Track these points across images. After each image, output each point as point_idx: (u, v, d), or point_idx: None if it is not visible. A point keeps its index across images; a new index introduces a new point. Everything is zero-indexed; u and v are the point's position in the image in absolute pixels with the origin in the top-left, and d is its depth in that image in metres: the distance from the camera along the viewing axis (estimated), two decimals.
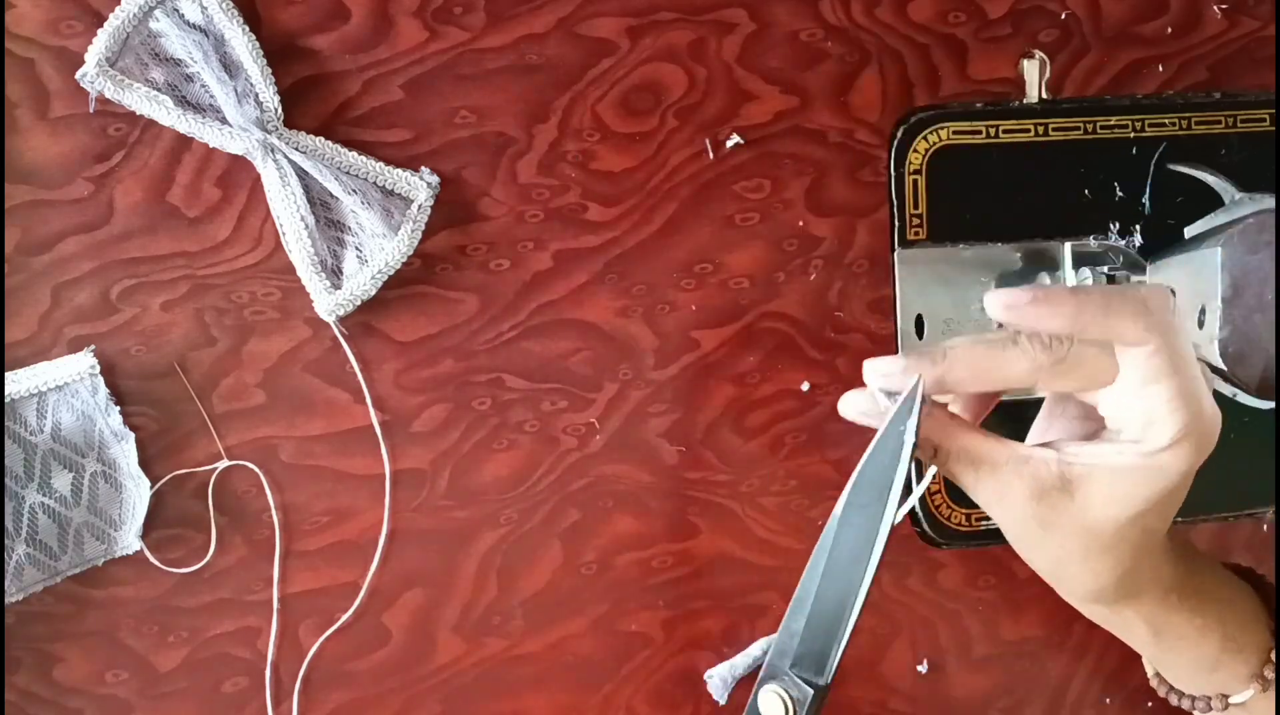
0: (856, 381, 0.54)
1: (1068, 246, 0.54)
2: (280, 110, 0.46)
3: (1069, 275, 0.54)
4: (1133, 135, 0.55)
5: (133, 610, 0.48)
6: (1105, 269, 0.54)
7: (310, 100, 0.48)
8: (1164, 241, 0.55)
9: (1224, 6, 0.56)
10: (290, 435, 0.49)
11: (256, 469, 0.49)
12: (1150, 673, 0.49)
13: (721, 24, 0.51)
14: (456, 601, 0.52)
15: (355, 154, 0.48)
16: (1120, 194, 0.55)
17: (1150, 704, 0.59)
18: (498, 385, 0.51)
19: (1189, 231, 0.55)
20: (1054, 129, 0.54)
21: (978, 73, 0.54)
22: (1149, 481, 0.38)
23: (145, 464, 0.47)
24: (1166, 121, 0.55)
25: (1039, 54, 0.54)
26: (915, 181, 0.53)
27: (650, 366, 0.52)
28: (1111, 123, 0.55)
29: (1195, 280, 0.53)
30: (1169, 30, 0.56)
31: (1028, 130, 0.54)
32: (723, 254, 0.52)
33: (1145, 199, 0.55)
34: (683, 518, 0.53)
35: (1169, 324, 0.38)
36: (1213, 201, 0.55)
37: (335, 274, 0.48)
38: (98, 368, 0.47)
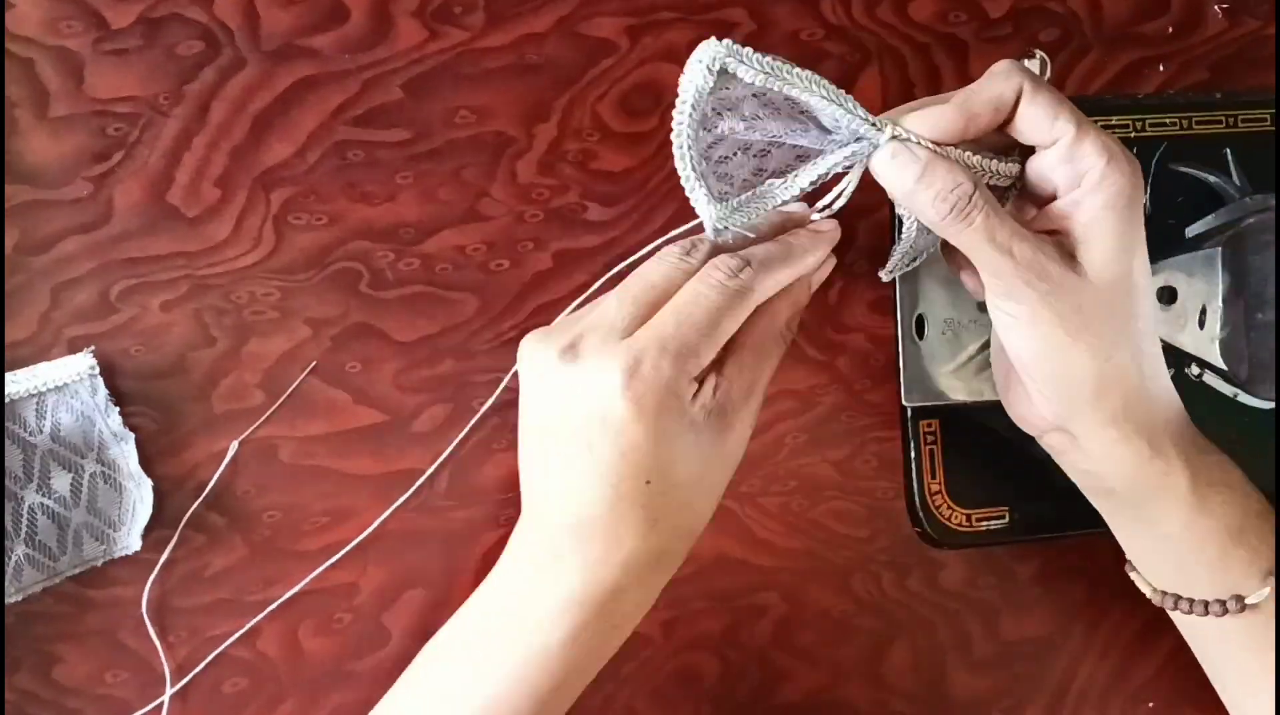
0: (856, 381, 0.54)
1: None
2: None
3: None
4: (1133, 135, 0.55)
5: (132, 610, 0.48)
6: None
7: (310, 100, 0.48)
8: (1165, 241, 0.55)
9: (1225, 6, 0.56)
10: (290, 435, 0.49)
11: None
12: (1149, 591, 0.46)
13: (722, 23, 0.51)
14: (456, 601, 0.51)
15: None
16: None
17: (1151, 704, 0.59)
18: (498, 385, 0.51)
19: (1190, 231, 0.55)
20: None
21: (979, 72, 0.53)
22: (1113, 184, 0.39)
23: (145, 464, 0.47)
24: (1167, 121, 0.55)
25: (1040, 54, 0.54)
26: None
27: None
28: (1112, 122, 0.55)
29: (1196, 280, 0.53)
30: (1170, 30, 0.56)
31: None
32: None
33: (1146, 199, 0.55)
34: None
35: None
36: (1214, 201, 0.54)
37: None
38: (97, 368, 0.47)
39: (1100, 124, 0.54)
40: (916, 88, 0.53)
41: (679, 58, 0.51)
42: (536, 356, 0.40)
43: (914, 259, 0.47)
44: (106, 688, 0.48)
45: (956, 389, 0.54)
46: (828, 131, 0.39)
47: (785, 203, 0.40)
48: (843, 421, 0.54)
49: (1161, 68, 0.56)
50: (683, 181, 0.38)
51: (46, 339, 0.47)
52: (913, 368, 0.54)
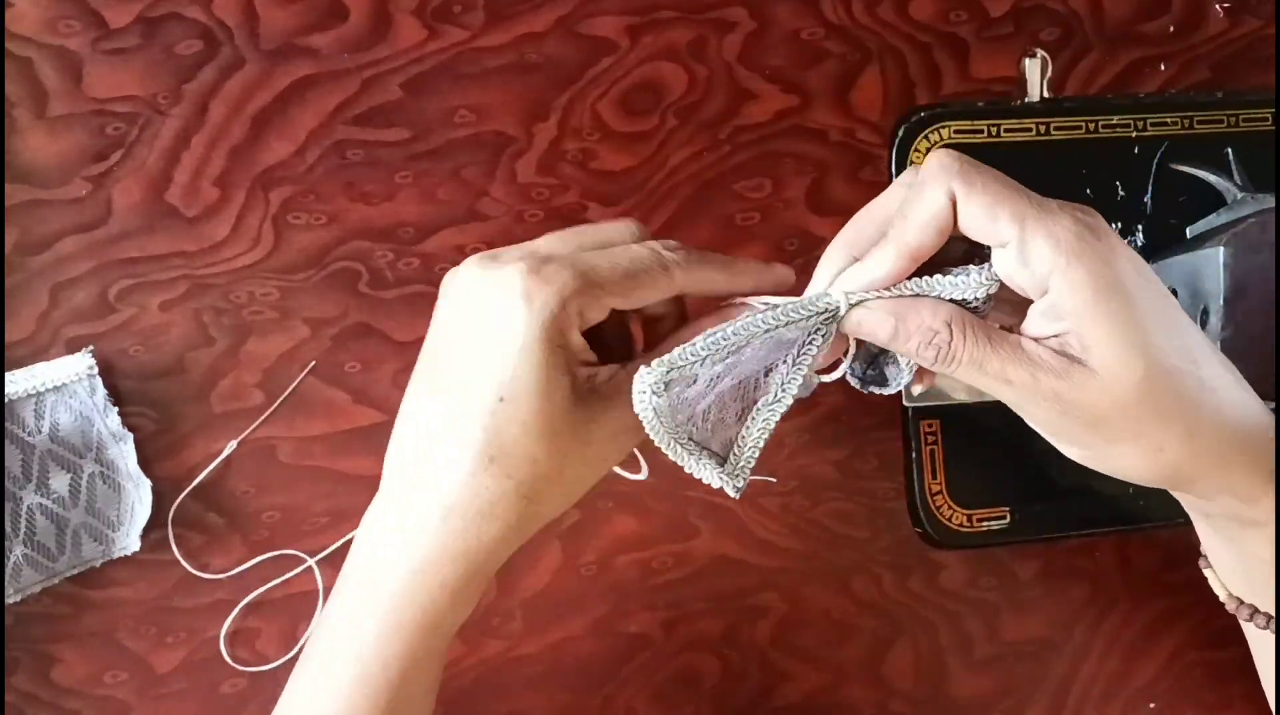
0: None
1: None
2: None
3: None
4: (1134, 135, 0.55)
5: (131, 611, 0.48)
6: None
7: (309, 99, 0.48)
8: (1166, 241, 0.55)
9: (1226, 6, 0.56)
10: (289, 435, 0.49)
11: None
12: (1224, 595, 0.43)
13: (722, 23, 0.51)
14: None
15: None
16: (1122, 193, 0.55)
17: (1152, 705, 0.59)
18: None
19: (1191, 231, 0.55)
20: (1055, 128, 0.54)
21: (979, 72, 0.54)
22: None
23: (144, 464, 0.47)
24: (1168, 121, 0.55)
25: (1041, 53, 0.54)
26: None
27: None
28: (1113, 122, 0.54)
29: (1198, 280, 0.52)
30: (1171, 29, 0.56)
31: (1029, 129, 0.54)
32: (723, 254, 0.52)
33: (1147, 198, 0.55)
34: (683, 518, 0.53)
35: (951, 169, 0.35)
36: (1215, 201, 0.54)
37: None
38: (96, 368, 0.46)
39: (1102, 123, 0.54)
40: (917, 87, 0.53)
41: (679, 57, 0.51)
42: (461, 266, 0.38)
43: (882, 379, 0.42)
44: (105, 688, 0.48)
45: (957, 389, 0.54)
46: (784, 339, 0.37)
47: (778, 417, 0.38)
48: (843, 421, 0.54)
49: (1163, 67, 0.56)
50: (688, 470, 0.37)
51: (45, 339, 0.47)
52: (913, 367, 0.53)
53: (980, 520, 0.55)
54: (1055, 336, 0.35)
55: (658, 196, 0.51)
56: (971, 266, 0.36)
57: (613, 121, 0.51)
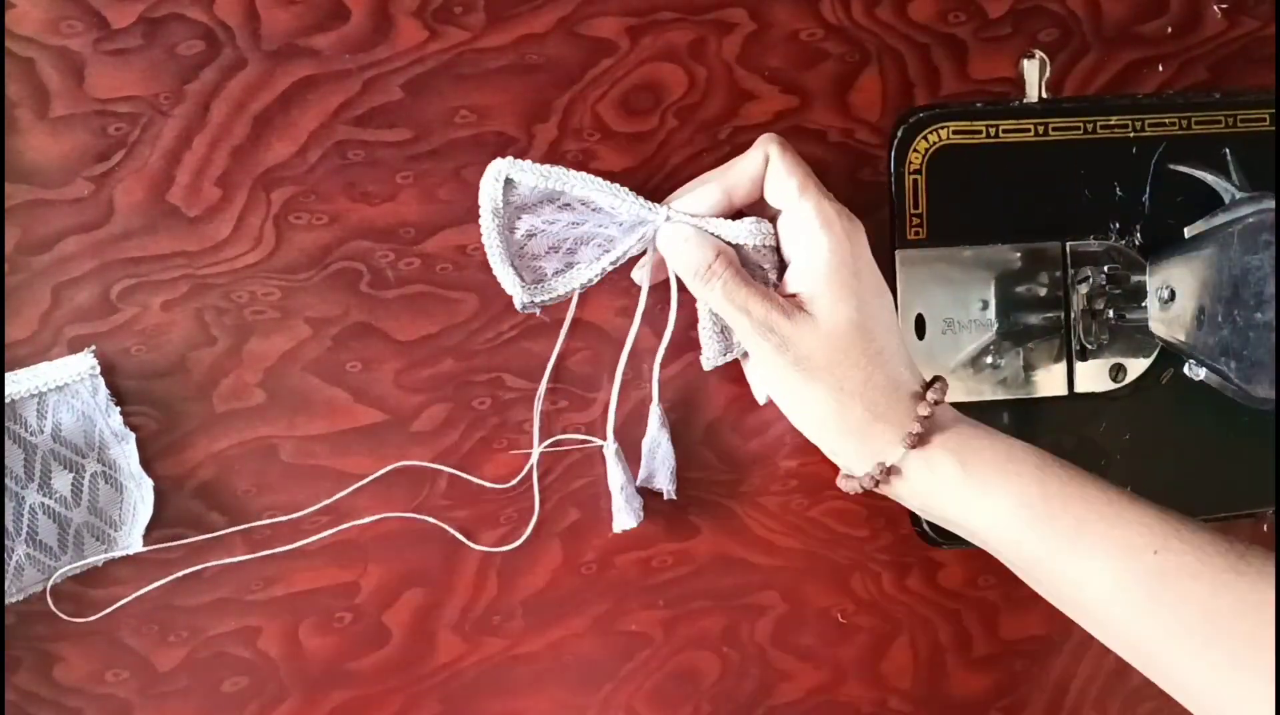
0: None
1: (1068, 246, 0.54)
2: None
3: (1069, 275, 0.54)
4: (1133, 135, 0.55)
5: (133, 610, 0.48)
6: (1106, 268, 0.54)
7: (310, 100, 0.48)
8: (1164, 241, 0.55)
9: (1224, 6, 0.56)
10: (290, 435, 0.49)
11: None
12: (840, 479, 0.49)
13: (722, 24, 0.51)
14: (456, 601, 0.52)
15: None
16: (1120, 194, 0.55)
17: (1150, 704, 0.59)
18: (498, 385, 0.51)
19: (1189, 231, 0.55)
20: (1054, 129, 0.54)
21: (978, 72, 0.54)
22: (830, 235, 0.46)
23: (145, 463, 0.47)
24: (1166, 121, 0.55)
25: (1039, 54, 0.54)
26: (915, 181, 0.54)
27: (650, 366, 0.52)
28: (1111, 122, 0.55)
29: (1195, 280, 0.53)
30: (1169, 30, 0.56)
31: (1028, 130, 0.54)
32: None
33: (1145, 199, 0.55)
34: (683, 518, 0.53)
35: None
36: (1212, 201, 0.55)
37: None
38: (98, 368, 0.47)
39: (1100, 124, 0.54)
40: (916, 88, 0.53)
41: (679, 58, 0.51)
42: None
43: (728, 349, 0.51)
44: (107, 687, 0.48)
45: (956, 389, 0.54)
46: (615, 219, 0.48)
47: (590, 281, 0.49)
48: None
49: (1161, 68, 0.56)
50: (494, 270, 0.48)
51: (47, 338, 0.47)
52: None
53: None
54: (795, 295, 0.47)
55: (658, 197, 0.51)
56: (749, 218, 0.47)
57: (613, 122, 0.51)
